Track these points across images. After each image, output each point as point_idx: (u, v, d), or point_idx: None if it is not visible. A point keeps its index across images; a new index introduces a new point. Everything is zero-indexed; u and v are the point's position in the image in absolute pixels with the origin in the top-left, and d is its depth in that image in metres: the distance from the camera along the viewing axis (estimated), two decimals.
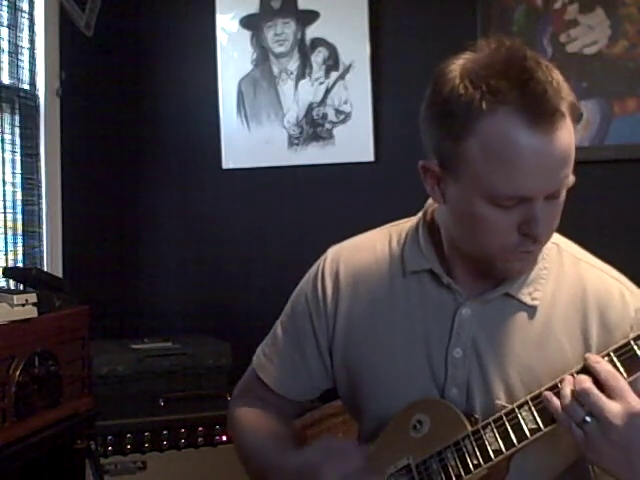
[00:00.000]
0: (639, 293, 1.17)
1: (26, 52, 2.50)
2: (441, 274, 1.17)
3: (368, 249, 1.27)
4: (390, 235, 1.26)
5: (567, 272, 1.17)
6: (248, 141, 2.80)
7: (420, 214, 1.24)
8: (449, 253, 1.17)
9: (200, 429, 2.22)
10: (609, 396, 0.99)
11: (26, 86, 2.50)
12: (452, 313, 1.16)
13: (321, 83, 2.74)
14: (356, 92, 2.70)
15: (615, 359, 1.02)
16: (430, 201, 1.23)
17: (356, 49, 2.69)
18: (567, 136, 1.01)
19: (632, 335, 1.03)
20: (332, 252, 1.31)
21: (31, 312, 1.75)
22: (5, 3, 2.40)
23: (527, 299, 1.14)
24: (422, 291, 1.19)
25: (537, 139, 0.98)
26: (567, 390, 1.02)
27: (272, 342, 1.34)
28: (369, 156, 2.69)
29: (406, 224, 1.26)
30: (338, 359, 1.26)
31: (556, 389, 1.04)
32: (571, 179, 1.05)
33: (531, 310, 1.14)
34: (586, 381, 1.00)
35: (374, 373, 1.21)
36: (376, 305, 1.22)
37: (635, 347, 1.01)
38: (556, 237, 1.18)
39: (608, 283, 1.16)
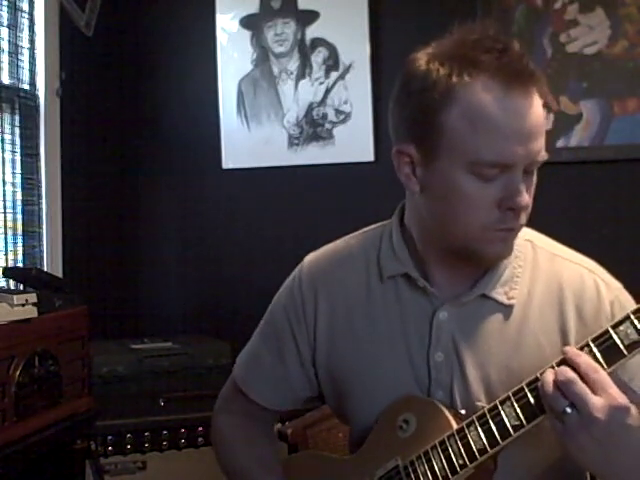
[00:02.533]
0: (614, 284, 1.16)
1: (26, 52, 2.50)
2: (417, 278, 1.16)
3: (345, 256, 1.26)
4: (366, 240, 1.26)
5: (542, 268, 1.16)
6: (248, 141, 2.80)
7: (393, 218, 1.23)
8: (424, 254, 1.17)
9: (200, 429, 2.22)
10: (591, 390, 0.97)
11: (26, 86, 2.50)
12: (429, 317, 1.15)
13: (321, 83, 2.74)
14: (356, 92, 2.70)
15: (595, 349, 1.00)
16: (401, 204, 1.23)
17: (356, 49, 2.69)
18: (540, 107, 1.05)
19: (610, 323, 1.00)
20: (308, 260, 1.30)
21: (31, 312, 1.75)
22: (5, 3, 2.40)
23: (503, 298, 1.14)
24: (399, 296, 1.18)
25: (516, 101, 1.02)
26: (549, 379, 1.00)
27: (253, 352, 1.33)
28: (369, 156, 2.69)
29: (380, 228, 1.26)
30: (322, 368, 1.25)
31: (537, 382, 1.03)
32: (544, 155, 1.06)
33: (507, 310, 1.14)
34: (569, 371, 0.99)
35: (358, 381, 1.21)
36: (355, 312, 1.21)
37: (614, 335, 0.99)
38: (530, 234, 1.19)
39: (583, 276, 1.15)
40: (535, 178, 1.08)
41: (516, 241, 1.13)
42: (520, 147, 1.02)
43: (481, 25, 1.08)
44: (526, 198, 1.05)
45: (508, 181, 1.04)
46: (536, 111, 1.04)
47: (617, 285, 1.16)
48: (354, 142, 2.71)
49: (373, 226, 1.29)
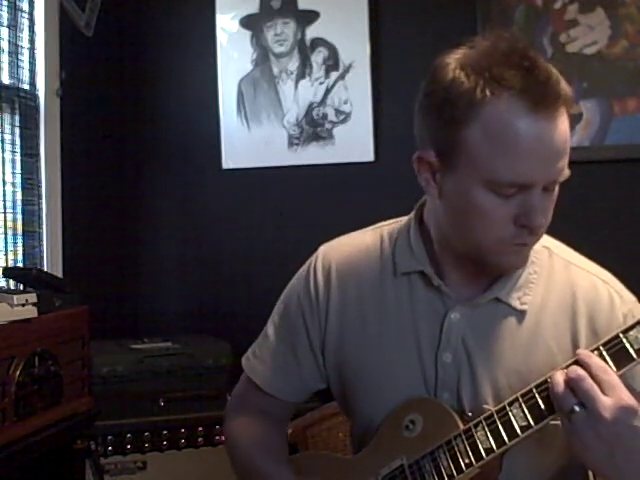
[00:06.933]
0: (628, 297, 1.16)
1: (26, 52, 2.50)
2: (432, 276, 1.16)
3: (360, 248, 1.26)
4: (382, 235, 1.26)
5: (557, 276, 1.16)
6: (248, 141, 2.80)
7: (412, 214, 1.23)
8: (440, 254, 1.17)
9: (200, 429, 2.22)
10: (601, 390, 0.97)
11: (26, 86, 2.50)
12: (441, 317, 1.15)
13: (321, 83, 2.74)
14: (356, 92, 2.70)
15: (604, 353, 1.01)
16: (421, 201, 1.22)
17: (356, 49, 2.69)
18: (566, 126, 1.02)
19: (621, 328, 1.01)
20: (323, 250, 1.30)
21: (31, 312, 1.75)
22: (5, 3, 2.39)
23: (516, 304, 1.14)
24: (412, 293, 1.18)
25: (540, 125, 0.99)
26: (559, 378, 1.00)
27: (263, 342, 1.33)
28: (369, 156, 2.69)
29: (397, 224, 1.26)
30: (330, 358, 1.26)
31: (545, 384, 1.03)
32: (567, 172, 1.05)
33: (520, 315, 1.14)
34: (580, 369, 0.99)
35: (365, 374, 1.21)
36: (367, 305, 1.21)
37: (624, 340, 1.00)
38: (548, 241, 1.19)
39: (598, 287, 1.15)
40: (556, 194, 1.07)
41: (533, 246, 1.13)
42: (540, 169, 1.01)
43: (512, 34, 1.05)
44: (542, 218, 1.04)
45: (525, 200, 1.03)
46: (560, 133, 1.01)
47: (632, 298, 1.16)
48: (354, 142, 2.71)
49: (390, 220, 1.28)
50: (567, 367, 1.02)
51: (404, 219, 1.25)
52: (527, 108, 0.99)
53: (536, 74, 1.00)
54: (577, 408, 0.98)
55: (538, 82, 0.99)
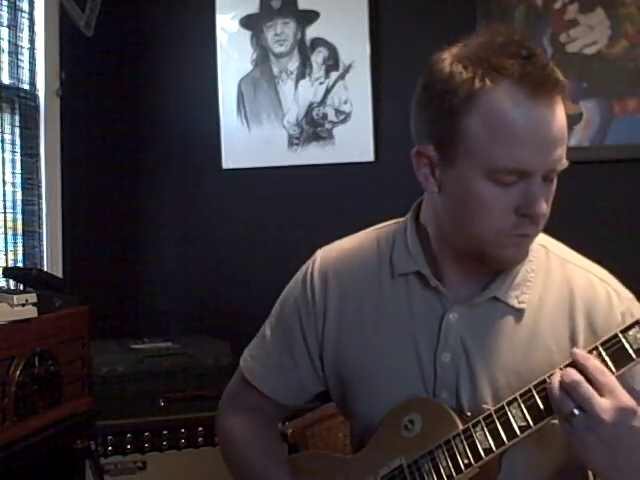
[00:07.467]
0: (626, 295, 1.16)
1: (26, 52, 2.50)
2: (429, 276, 1.16)
3: (357, 251, 1.26)
4: (379, 237, 1.26)
5: (554, 274, 1.16)
6: (248, 141, 2.80)
7: (408, 215, 1.23)
8: (438, 253, 1.17)
9: (200, 429, 2.22)
10: (598, 392, 0.97)
11: (26, 86, 2.50)
12: (439, 317, 1.15)
13: (321, 83, 2.74)
14: (356, 92, 2.70)
15: (603, 352, 1.01)
16: (417, 201, 1.23)
17: (356, 49, 2.69)
18: (563, 114, 1.04)
19: (620, 328, 1.01)
20: (320, 254, 1.30)
21: (31, 312, 1.75)
22: (5, 3, 2.39)
23: (514, 302, 1.13)
24: (410, 294, 1.18)
25: (539, 111, 1.01)
26: (556, 382, 1.00)
27: (260, 344, 1.34)
28: (369, 156, 2.69)
29: (394, 225, 1.26)
30: (329, 362, 1.26)
31: (544, 384, 1.03)
32: (565, 162, 1.05)
33: (518, 313, 1.14)
34: (575, 373, 0.99)
35: (364, 375, 1.21)
36: (365, 307, 1.21)
37: (623, 340, 1.00)
38: (545, 239, 1.19)
39: (595, 285, 1.15)
40: (554, 185, 1.07)
41: (530, 245, 1.13)
42: (540, 156, 1.02)
43: (507, 28, 1.07)
44: (543, 206, 1.04)
45: (526, 188, 1.03)
46: (559, 120, 1.02)
47: (629, 296, 1.16)
48: (354, 142, 2.71)
49: (387, 222, 1.29)
50: (564, 368, 1.02)
51: (399, 221, 1.26)
52: (526, 95, 1.00)
53: (534, 62, 1.02)
54: (576, 411, 0.98)
55: (536, 69, 1.01)
